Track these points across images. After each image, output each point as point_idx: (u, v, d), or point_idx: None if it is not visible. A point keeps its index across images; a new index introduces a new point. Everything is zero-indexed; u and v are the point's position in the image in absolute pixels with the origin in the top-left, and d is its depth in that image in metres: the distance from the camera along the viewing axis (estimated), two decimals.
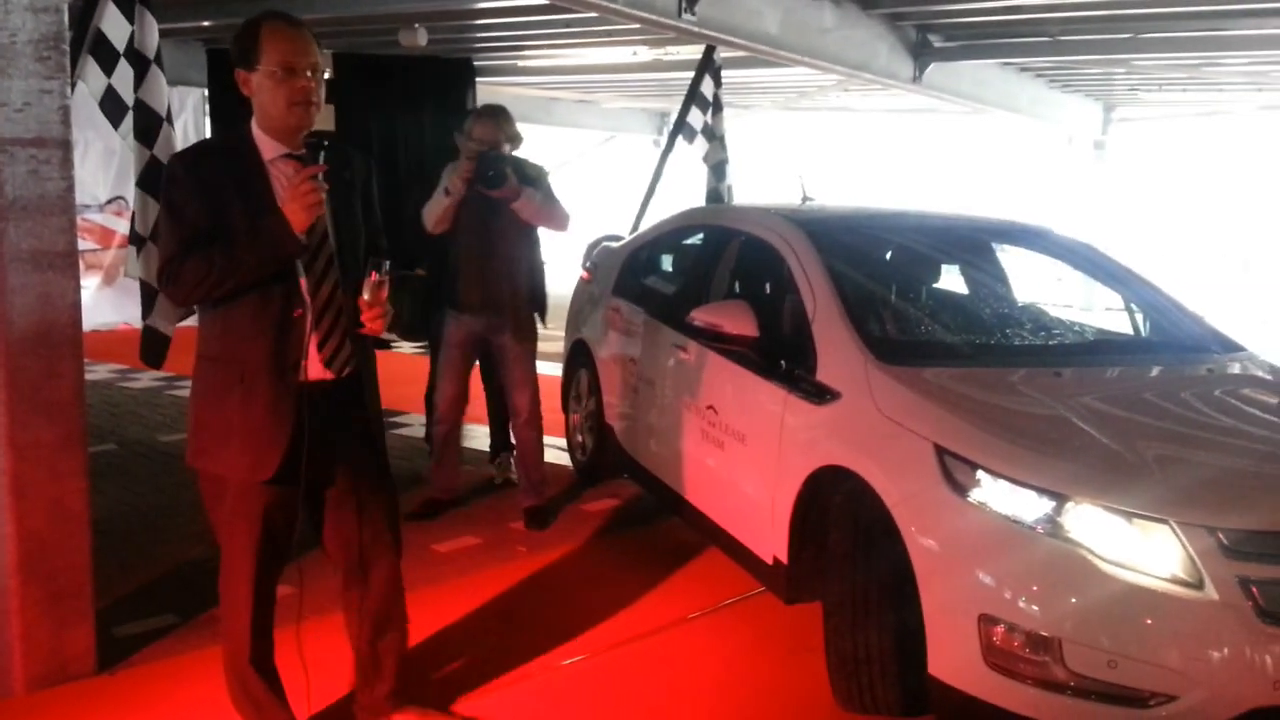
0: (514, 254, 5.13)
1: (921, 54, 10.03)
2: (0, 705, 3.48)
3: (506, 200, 4.95)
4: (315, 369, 2.92)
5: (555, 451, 6.27)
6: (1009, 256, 5.14)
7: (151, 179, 5.03)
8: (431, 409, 5.62)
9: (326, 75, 2.94)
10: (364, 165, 3.15)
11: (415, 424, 7.01)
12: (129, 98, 5.09)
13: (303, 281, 2.89)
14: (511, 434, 5.62)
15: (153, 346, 5.02)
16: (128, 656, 3.81)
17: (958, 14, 9.25)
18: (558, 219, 5.19)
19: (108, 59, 4.99)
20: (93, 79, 5.00)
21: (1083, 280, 4.95)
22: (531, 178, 5.08)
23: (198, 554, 4.82)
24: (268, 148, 2.89)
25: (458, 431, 5.47)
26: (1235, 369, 4.12)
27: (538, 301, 5.34)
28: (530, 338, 5.29)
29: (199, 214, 2.80)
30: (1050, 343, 4.22)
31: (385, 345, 5.16)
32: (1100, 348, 4.39)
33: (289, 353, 2.87)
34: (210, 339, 2.93)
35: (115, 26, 4.99)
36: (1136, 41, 9.39)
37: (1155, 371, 4.08)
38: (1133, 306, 4.66)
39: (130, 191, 5.44)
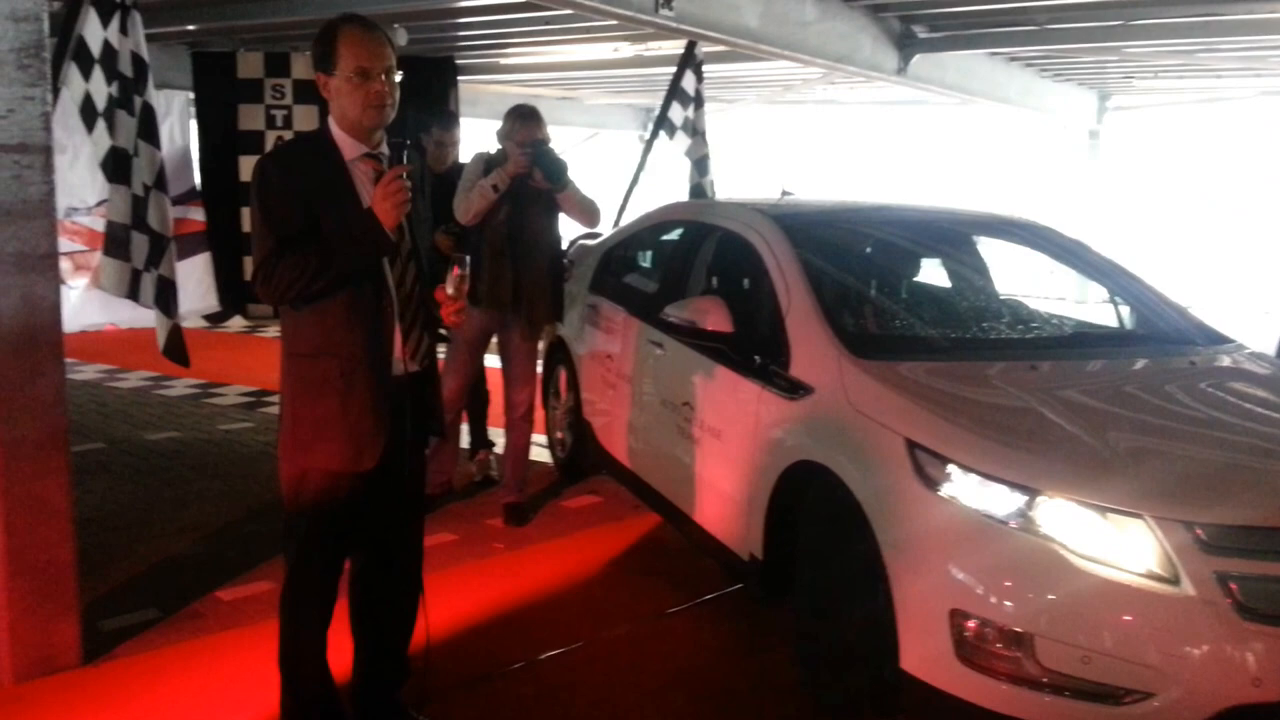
0: (540, 251, 5.15)
1: (906, 45, 9.96)
2: None
3: (553, 192, 5.03)
4: (401, 362, 3.03)
5: (536, 448, 6.24)
6: (1003, 250, 5.10)
7: (163, 180, 5.08)
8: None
9: (399, 76, 2.99)
10: (419, 164, 3.25)
11: None
12: (101, 102, 5.10)
13: (389, 277, 2.98)
14: (504, 429, 5.58)
15: (176, 345, 5.08)
16: (112, 649, 3.90)
17: (942, 4, 9.20)
18: (593, 213, 5.28)
19: (86, 64, 5.01)
20: (74, 85, 5.03)
21: (1075, 273, 4.93)
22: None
23: (180, 550, 4.93)
24: (348, 148, 2.96)
25: (457, 426, 5.48)
26: (1221, 361, 4.07)
27: (558, 299, 5.32)
28: (536, 335, 5.32)
29: (292, 215, 2.87)
30: (1028, 336, 4.19)
31: (444, 339, 5.18)
32: (1080, 341, 4.35)
33: (383, 346, 2.97)
34: (304, 336, 2.98)
35: (93, 32, 5.00)
36: (1128, 29, 9.31)
37: (1136, 364, 4.04)
38: (1116, 299, 4.63)
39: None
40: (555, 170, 4.96)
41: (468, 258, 3.06)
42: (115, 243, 5.20)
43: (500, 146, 5.09)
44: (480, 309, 5.13)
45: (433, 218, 5.15)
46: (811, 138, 19.11)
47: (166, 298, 5.08)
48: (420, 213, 3.14)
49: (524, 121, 5.07)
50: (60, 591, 3.67)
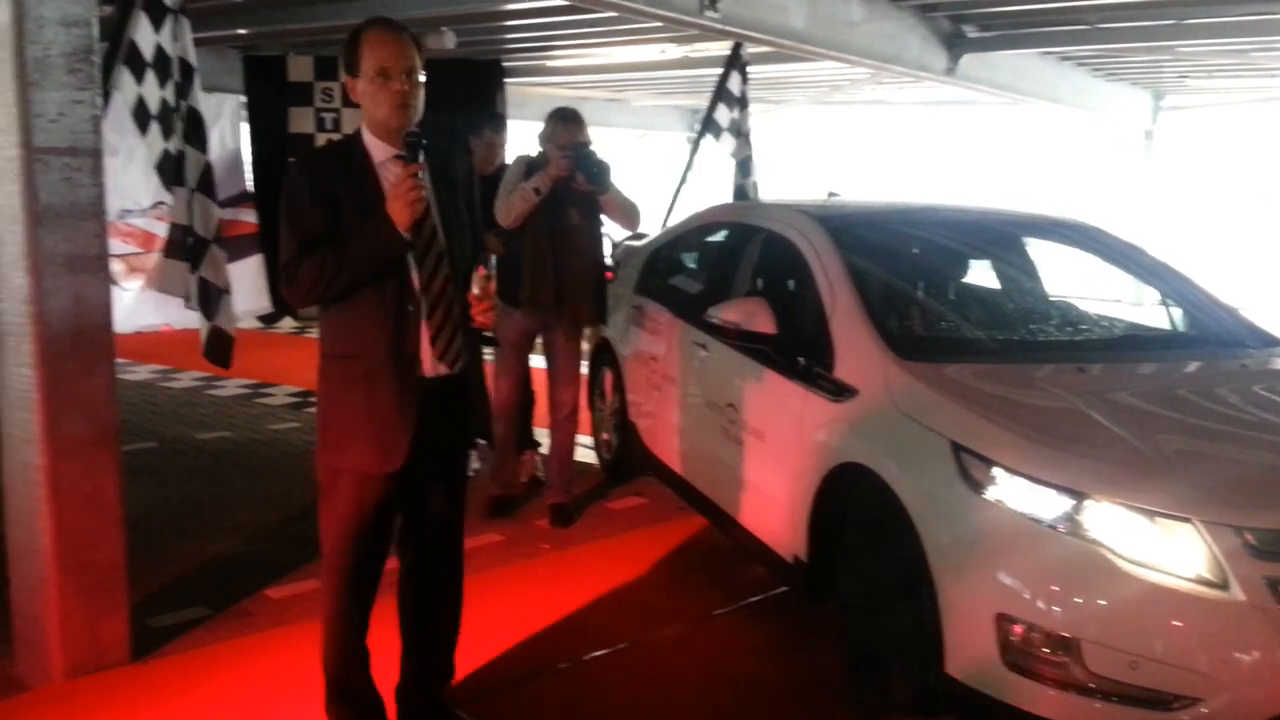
0: (582, 252, 5.17)
1: (955, 45, 9.89)
2: (39, 692, 3.61)
3: (594, 194, 5.04)
4: (429, 363, 3.01)
5: (581, 449, 6.27)
6: (1056, 252, 5.05)
7: (208, 183, 5.15)
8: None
9: (423, 78, 3.01)
10: (466, 165, 3.26)
11: None
12: (154, 106, 5.19)
13: (415, 277, 2.96)
14: (548, 429, 5.61)
15: (219, 347, 5.14)
16: (161, 646, 3.93)
17: (993, 3, 9.12)
18: (634, 215, 5.30)
19: (138, 68, 5.09)
20: (126, 88, 5.11)
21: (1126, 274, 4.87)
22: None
23: (230, 548, 4.98)
24: (378, 150, 2.98)
25: (515, 427, 5.52)
26: (1273, 364, 4.01)
27: (600, 301, 5.34)
28: (579, 336, 5.33)
29: (314, 218, 2.89)
30: (1077, 338, 4.15)
31: (491, 342, 5.26)
32: (1129, 343, 4.30)
33: (407, 347, 2.95)
34: (333, 337, 3.02)
35: (145, 36, 5.08)
36: (1180, 28, 9.17)
37: (1187, 367, 4.00)
38: (1167, 300, 4.57)
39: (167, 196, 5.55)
40: (596, 173, 4.97)
41: (493, 258, 3.05)
42: (174, 245, 5.31)
43: (542, 149, 5.11)
44: (523, 310, 5.16)
45: (483, 219, 5.21)
46: (861, 139, 19.00)
47: (207, 299, 5.14)
48: (460, 213, 3.14)
49: (565, 124, 5.09)
50: (110, 589, 3.72)
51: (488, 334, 3.57)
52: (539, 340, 5.40)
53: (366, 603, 3.14)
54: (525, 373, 5.49)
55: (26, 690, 3.61)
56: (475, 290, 2.97)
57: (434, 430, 3.04)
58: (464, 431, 3.27)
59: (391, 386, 2.94)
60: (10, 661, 3.75)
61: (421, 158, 2.89)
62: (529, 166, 5.08)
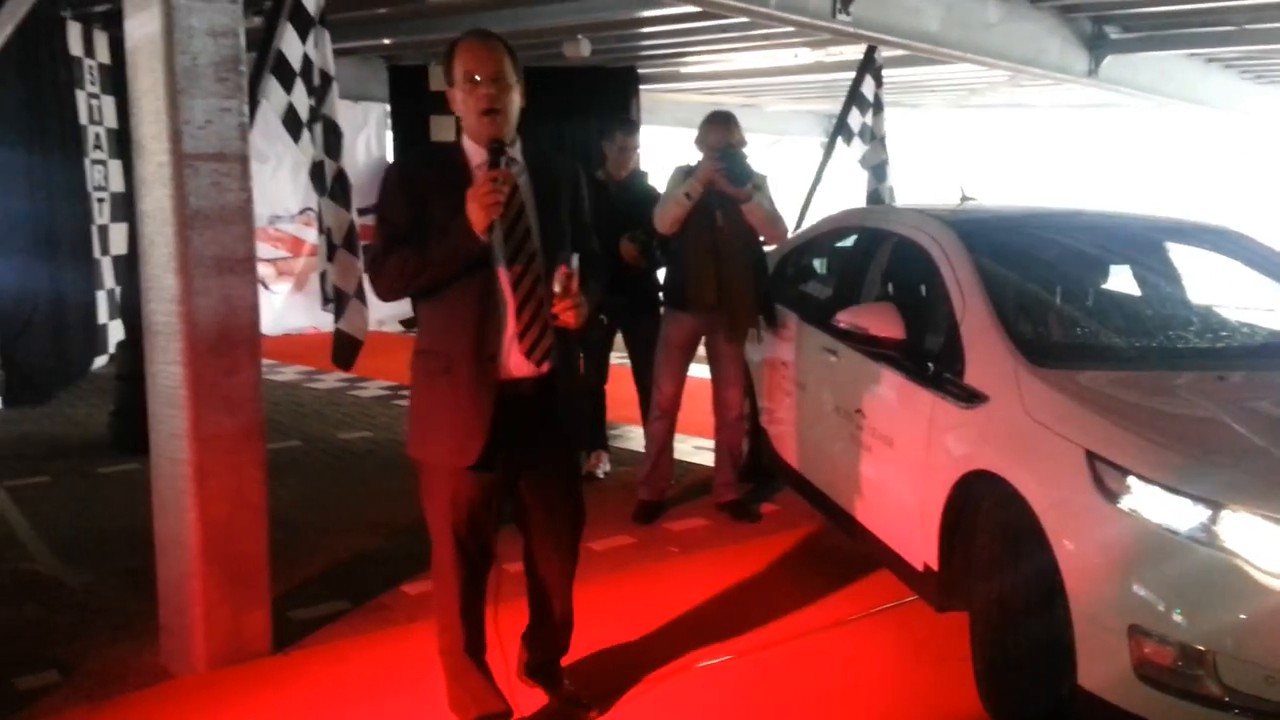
0: (741, 254, 5.22)
1: (1097, 47, 9.67)
2: (183, 681, 3.74)
3: (739, 201, 5.09)
4: (516, 360, 3.08)
5: (703, 452, 6.32)
6: (1202, 258, 4.90)
7: (341, 190, 5.36)
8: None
9: (514, 82, 3.10)
10: (571, 171, 3.33)
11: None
12: (304, 113, 5.39)
13: (504, 277, 3.05)
14: (714, 430, 5.65)
15: (343, 349, 5.33)
16: (301, 638, 4.05)
17: (1137, 4, 8.89)
18: (778, 227, 5.34)
19: (287, 78, 5.29)
20: (275, 97, 5.31)
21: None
22: (757, 184, 5.20)
23: (371, 545, 5.11)
24: (475, 154, 3.09)
25: (673, 432, 5.59)
26: None
27: (761, 302, 5.37)
28: (741, 337, 5.37)
29: (401, 217, 3.03)
30: (1218, 345, 4.02)
31: (595, 346, 5.42)
32: (1272, 351, 4.15)
33: (488, 344, 3.04)
34: (422, 333, 3.16)
35: (292, 47, 5.28)
36: None
37: None
38: None
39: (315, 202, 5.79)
40: (739, 174, 5.01)
41: (575, 256, 3.09)
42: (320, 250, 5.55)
43: (701, 156, 5.18)
44: (687, 312, 5.25)
45: (614, 224, 5.28)
46: (1000, 142, 18.63)
47: (336, 303, 5.33)
48: (559, 215, 3.20)
49: (715, 126, 5.16)
50: (253, 581, 3.83)
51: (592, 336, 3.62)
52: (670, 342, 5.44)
53: (469, 593, 3.23)
54: (686, 373, 5.54)
55: (171, 679, 3.75)
56: (556, 288, 3.00)
57: (523, 429, 3.12)
58: (564, 431, 3.28)
59: (470, 383, 3.03)
60: (156, 651, 3.89)
61: (503, 164, 2.99)
62: (686, 175, 5.16)
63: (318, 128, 5.37)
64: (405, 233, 3.01)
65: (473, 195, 2.91)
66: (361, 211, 5.57)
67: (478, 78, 3.00)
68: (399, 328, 12.23)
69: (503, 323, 3.05)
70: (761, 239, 5.36)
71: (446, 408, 3.06)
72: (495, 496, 3.19)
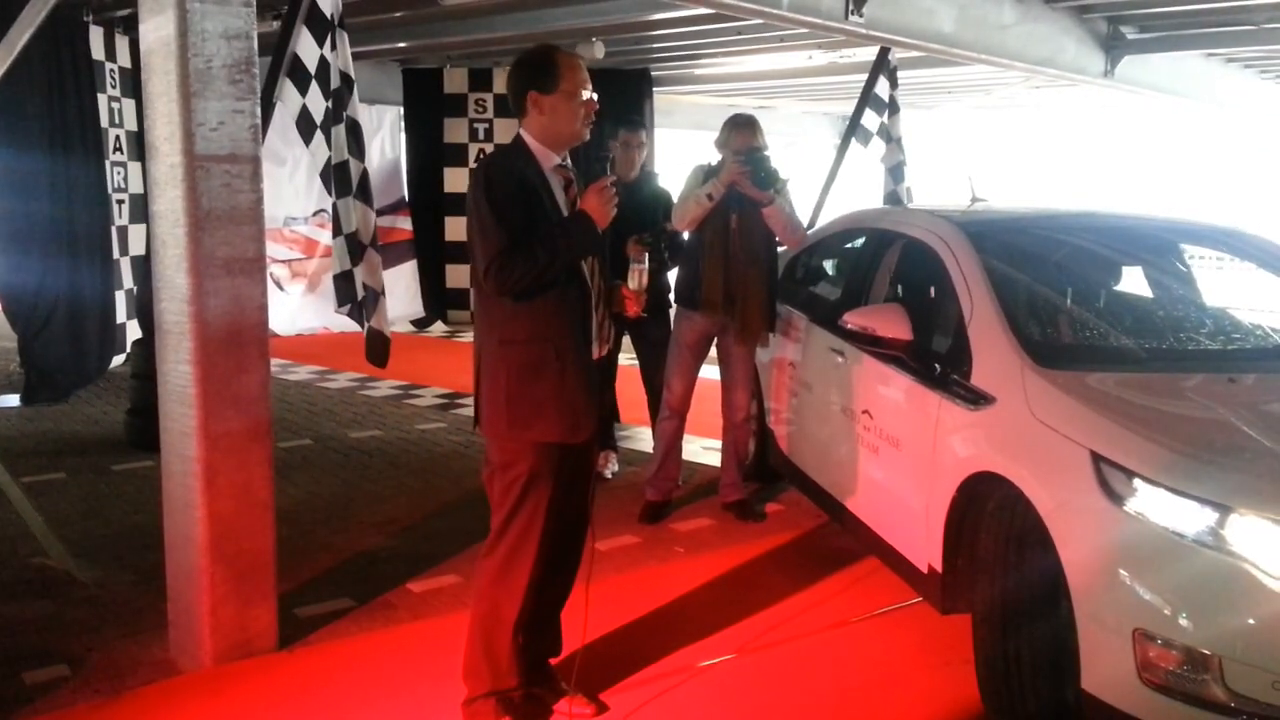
0: (755, 257, 5.23)
1: (1113, 47, 9.62)
2: (190, 676, 3.77)
3: (760, 204, 5.11)
4: (596, 347, 3.38)
5: (711, 453, 6.31)
6: (1226, 261, 4.87)
7: (365, 189, 5.40)
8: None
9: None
10: (593, 171, 3.62)
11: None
12: (318, 116, 5.42)
13: (585, 271, 3.31)
14: (722, 430, 5.65)
15: (377, 347, 5.38)
16: (307, 635, 4.08)
17: (1154, 4, 8.84)
18: (795, 231, 5.37)
19: (302, 81, 5.32)
20: (290, 100, 5.35)
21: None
22: (779, 188, 5.22)
23: (377, 543, 5.13)
24: (546, 159, 3.30)
25: (682, 432, 5.61)
26: None
27: (772, 310, 5.36)
28: (753, 339, 5.37)
29: (518, 213, 3.17)
30: (1229, 347, 3.99)
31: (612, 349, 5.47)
32: None
33: (586, 331, 3.30)
34: (519, 326, 3.25)
35: (307, 50, 5.31)
36: None
37: None
38: None
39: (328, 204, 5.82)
40: (763, 178, 5.03)
41: (648, 253, 3.27)
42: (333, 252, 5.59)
43: (721, 157, 5.19)
44: (700, 312, 5.26)
45: (623, 226, 5.28)
46: (1016, 142, 18.56)
47: (365, 302, 5.36)
48: None
49: (739, 129, 5.18)
50: (259, 578, 3.86)
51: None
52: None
53: (542, 570, 3.32)
54: (697, 373, 5.55)
55: (178, 674, 3.78)
56: (632, 285, 3.33)
57: (600, 406, 3.37)
58: (602, 416, 3.51)
59: (578, 366, 3.25)
60: (165, 646, 3.93)
61: (607, 170, 3.16)
62: (707, 175, 5.18)
63: (340, 129, 5.40)
64: (521, 229, 3.14)
65: (602, 198, 3.22)
66: (379, 213, 5.61)
67: (587, 88, 3.24)
68: (410, 328, 12.28)
69: (591, 312, 3.32)
70: (779, 242, 5.36)
71: (557, 390, 3.22)
72: (594, 467, 3.47)
